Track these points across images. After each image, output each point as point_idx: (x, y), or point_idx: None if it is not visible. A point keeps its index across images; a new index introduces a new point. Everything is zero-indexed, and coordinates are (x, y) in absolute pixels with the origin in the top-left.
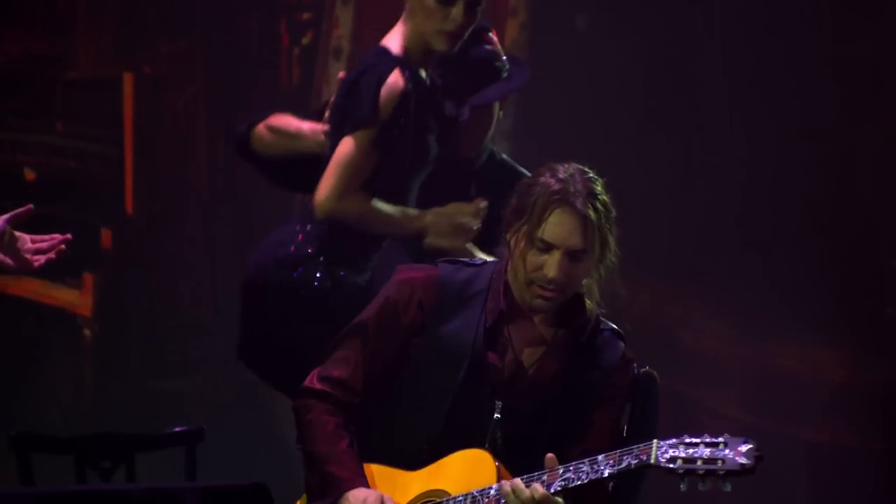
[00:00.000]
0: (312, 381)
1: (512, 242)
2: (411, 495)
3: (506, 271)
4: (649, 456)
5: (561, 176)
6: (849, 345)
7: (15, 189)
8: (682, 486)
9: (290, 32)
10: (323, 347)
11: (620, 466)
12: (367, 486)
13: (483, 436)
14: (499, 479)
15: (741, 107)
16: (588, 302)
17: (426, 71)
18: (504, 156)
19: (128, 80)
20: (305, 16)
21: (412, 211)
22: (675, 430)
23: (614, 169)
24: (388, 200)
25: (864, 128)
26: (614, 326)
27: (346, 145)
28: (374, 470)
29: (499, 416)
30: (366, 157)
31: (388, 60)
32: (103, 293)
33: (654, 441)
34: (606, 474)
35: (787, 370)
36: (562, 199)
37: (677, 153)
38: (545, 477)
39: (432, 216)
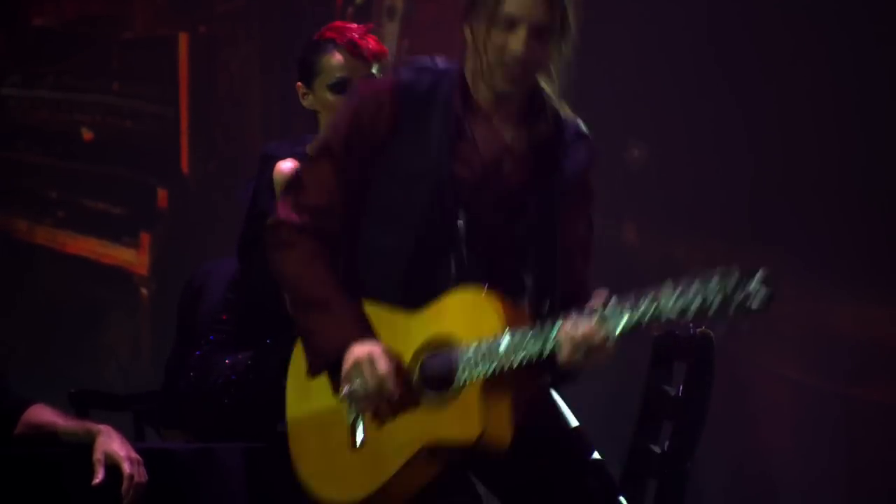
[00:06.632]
0: (287, 211)
1: (468, 33)
2: (415, 343)
3: (462, 70)
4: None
5: None
6: None
7: (72, 149)
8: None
9: None
10: None
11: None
12: (372, 338)
13: (453, 252)
14: (505, 324)
15: (807, 65)
16: (548, 92)
17: None
18: None
19: (183, 40)
20: None
21: None
22: (729, 389)
23: (668, 129)
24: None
25: None
26: (579, 122)
27: None
28: (371, 313)
29: (463, 228)
30: None
31: None
32: (159, 252)
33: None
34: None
35: (842, 329)
36: None
37: (732, 112)
38: None
39: None
